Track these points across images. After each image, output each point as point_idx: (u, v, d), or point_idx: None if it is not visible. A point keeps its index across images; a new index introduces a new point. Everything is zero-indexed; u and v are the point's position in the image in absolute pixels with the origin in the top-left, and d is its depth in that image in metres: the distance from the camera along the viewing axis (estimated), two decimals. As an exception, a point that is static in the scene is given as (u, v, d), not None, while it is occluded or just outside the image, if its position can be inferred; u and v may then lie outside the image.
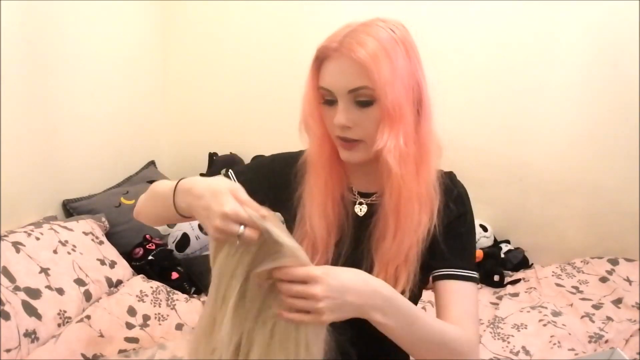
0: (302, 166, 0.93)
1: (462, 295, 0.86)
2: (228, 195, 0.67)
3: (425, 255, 0.85)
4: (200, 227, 2.01)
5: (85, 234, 1.68)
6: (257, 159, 1.02)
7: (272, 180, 0.95)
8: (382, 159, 0.80)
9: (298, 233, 0.90)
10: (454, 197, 0.90)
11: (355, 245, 0.89)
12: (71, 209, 1.86)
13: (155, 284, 1.67)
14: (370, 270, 0.85)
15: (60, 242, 1.55)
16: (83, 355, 1.29)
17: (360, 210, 0.91)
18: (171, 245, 1.97)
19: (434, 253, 0.87)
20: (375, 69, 0.77)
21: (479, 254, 2.06)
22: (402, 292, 0.82)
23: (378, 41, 0.79)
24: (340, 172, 0.91)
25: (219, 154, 2.43)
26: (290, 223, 0.93)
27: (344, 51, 0.79)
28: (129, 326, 1.47)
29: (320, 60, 0.83)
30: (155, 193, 0.89)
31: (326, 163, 0.89)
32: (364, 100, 0.80)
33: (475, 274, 0.89)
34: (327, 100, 0.83)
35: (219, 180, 0.72)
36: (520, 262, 2.12)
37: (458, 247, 0.89)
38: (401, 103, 0.80)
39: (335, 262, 0.87)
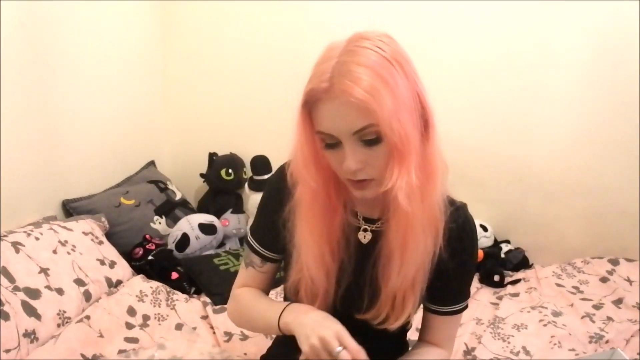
0: (292, 187, 0.86)
1: (451, 324, 0.95)
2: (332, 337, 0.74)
3: (431, 275, 0.84)
4: (200, 227, 2.01)
5: (85, 234, 1.67)
6: (260, 201, 0.97)
7: (277, 215, 0.89)
8: (392, 194, 0.76)
9: (294, 274, 0.88)
10: (464, 232, 0.88)
11: (357, 273, 0.87)
12: (71, 209, 1.86)
13: (155, 284, 1.67)
14: (374, 298, 0.85)
15: (60, 242, 1.55)
16: (83, 355, 1.29)
17: (365, 237, 0.88)
18: (171, 245, 1.97)
19: (438, 281, 0.87)
20: (377, 105, 0.69)
21: (479, 254, 2.06)
22: (408, 317, 0.86)
23: (372, 70, 0.70)
24: (344, 198, 0.86)
25: (219, 154, 2.43)
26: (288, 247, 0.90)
27: (338, 93, 0.70)
28: (129, 326, 1.46)
29: (311, 104, 0.75)
30: (253, 318, 0.96)
31: (318, 212, 0.83)
32: (371, 139, 0.73)
33: (466, 303, 0.94)
34: (329, 144, 0.76)
35: (326, 322, 0.78)
36: (520, 262, 2.11)
37: (459, 285, 0.92)
38: (408, 134, 0.73)
39: (336, 292, 0.87)
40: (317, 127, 0.76)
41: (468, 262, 0.91)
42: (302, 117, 0.77)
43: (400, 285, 0.82)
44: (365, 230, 0.88)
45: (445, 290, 0.90)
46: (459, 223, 0.86)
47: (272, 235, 0.91)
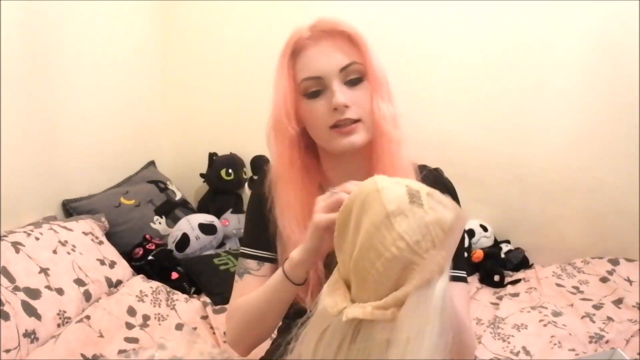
0: (272, 183, 0.91)
1: (454, 296, 0.88)
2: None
3: None
4: (200, 227, 2.01)
5: (85, 234, 1.67)
6: (246, 212, 1.01)
7: (262, 214, 0.92)
8: (381, 131, 0.82)
9: (284, 258, 0.87)
10: (448, 192, 0.90)
11: None
12: (71, 209, 1.86)
13: (155, 284, 1.67)
14: None
15: (59, 242, 1.55)
16: (83, 355, 1.28)
17: None
18: (171, 245, 1.97)
19: None
20: (360, 40, 0.80)
21: (479, 254, 2.06)
22: None
23: (348, 23, 0.83)
24: (320, 182, 0.90)
25: (219, 154, 2.43)
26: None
27: (323, 34, 0.81)
28: (129, 326, 1.46)
29: (297, 53, 0.83)
30: (259, 306, 0.87)
31: (298, 173, 0.87)
32: (355, 77, 0.81)
33: (464, 274, 0.91)
34: (312, 92, 0.82)
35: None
36: (520, 262, 2.11)
37: None
38: (384, 72, 0.83)
39: (326, 276, 0.84)
40: (302, 76, 0.82)
41: None
42: (286, 68, 0.84)
43: None
44: None
45: None
46: (448, 184, 0.94)
47: (262, 235, 0.92)
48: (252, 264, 0.94)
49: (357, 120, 0.82)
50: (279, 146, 0.88)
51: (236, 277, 0.96)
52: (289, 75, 0.83)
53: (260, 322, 0.88)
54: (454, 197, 0.94)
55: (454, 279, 0.88)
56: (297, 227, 0.86)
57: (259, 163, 2.33)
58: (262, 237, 0.93)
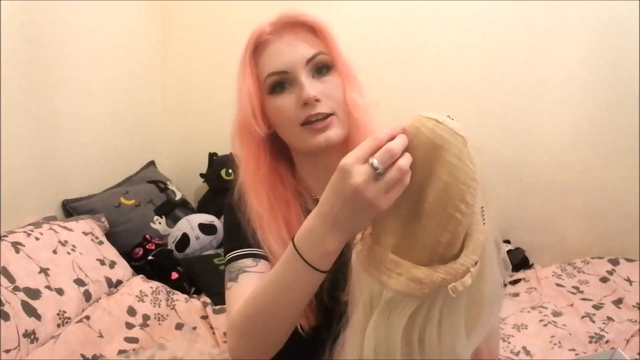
0: (240, 195, 0.82)
1: None
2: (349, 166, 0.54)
3: None
4: (200, 227, 2.00)
5: (85, 234, 1.67)
6: (224, 223, 0.91)
7: (241, 230, 0.82)
8: (357, 122, 0.79)
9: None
10: None
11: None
12: (71, 209, 1.86)
13: (155, 284, 1.67)
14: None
15: (59, 242, 1.55)
16: (83, 355, 1.29)
17: None
18: (171, 245, 1.97)
19: None
20: (324, 30, 0.77)
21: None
22: None
23: (306, 13, 0.80)
24: (296, 190, 0.84)
25: (219, 154, 2.42)
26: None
27: (285, 27, 0.78)
28: (129, 326, 1.46)
29: (259, 49, 0.79)
30: (267, 295, 0.67)
31: (266, 179, 0.80)
32: (322, 66, 0.78)
33: None
34: (278, 88, 0.77)
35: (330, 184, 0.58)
36: (520, 262, 2.11)
37: None
38: (352, 62, 0.80)
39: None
40: (266, 72, 0.78)
41: None
42: (248, 65, 0.78)
43: None
44: None
45: None
46: None
47: (250, 237, 0.82)
48: (246, 262, 0.80)
49: (330, 115, 0.76)
50: (244, 151, 0.81)
51: (227, 285, 0.79)
52: (252, 73, 0.78)
53: (273, 315, 0.67)
54: None
55: None
56: (275, 242, 0.78)
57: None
58: (249, 238, 0.81)
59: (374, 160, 0.52)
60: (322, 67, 0.77)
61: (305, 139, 0.77)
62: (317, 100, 0.75)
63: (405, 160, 0.53)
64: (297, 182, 0.86)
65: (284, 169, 0.85)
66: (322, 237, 0.59)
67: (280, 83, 0.77)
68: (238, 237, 0.83)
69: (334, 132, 0.77)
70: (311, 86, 0.75)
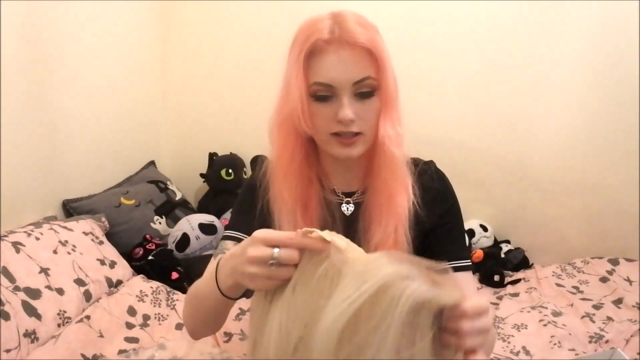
0: (265, 176, 0.89)
1: (462, 284, 0.89)
2: (255, 239, 0.60)
3: (417, 243, 0.87)
4: (201, 227, 2.01)
5: (85, 234, 1.67)
6: (237, 200, 0.98)
7: (254, 210, 0.90)
8: (383, 148, 0.81)
9: None
10: (443, 187, 0.93)
11: None
12: (71, 209, 1.86)
13: (155, 284, 1.67)
14: None
15: (60, 242, 1.55)
16: (83, 355, 1.29)
17: (347, 209, 0.92)
18: (171, 245, 1.97)
19: (429, 245, 0.89)
20: (379, 55, 0.78)
21: (479, 254, 2.06)
22: None
23: (367, 27, 0.79)
24: (318, 175, 0.90)
25: (219, 154, 2.43)
26: None
27: (343, 42, 0.77)
28: (129, 326, 1.47)
29: (313, 54, 0.79)
30: (196, 289, 0.82)
31: (297, 169, 0.86)
32: (366, 91, 0.79)
33: (468, 262, 0.92)
34: (321, 96, 0.80)
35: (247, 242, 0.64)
36: (520, 262, 2.11)
37: (450, 239, 0.92)
38: (396, 89, 0.82)
39: None
40: (314, 79, 0.79)
41: (459, 211, 0.94)
42: (301, 68, 0.79)
43: (381, 242, 0.84)
44: (348, 202, 0.92)
45: (442, 242, 0.91)
46: (444, 177, 0.94)
47: (245, 220, 0.90)
48: (229, 244, 0.89)
49: (358, 133, 0.81)
50: (282, 142, 0.86)
51: (212, 260, 0.89)
52: (304, 74, 0.80)
53: (197, 311, 0.82)
54: (448, 188, 0.95)
55: (461, 268, 0.90)
56: (287, 224, 0.85)
57: (259, 163, 2.32)
58: (244, 221, 0.90)
59: (278, 251, 0.57)
60: (365, 90, 0.79)
61: (331, 147, 0.83)
62: (352, 121, 0.79)
63: (290, 272, 0.58)
64: (318, 167, 0.92)
65: (313, 153, 0.91)
66: (227, 272, 0.67)
67: (324, 93, 0.80)
68: (239, 219, 0.92)
69: (356, 150, 0.83)
70: (351, 107, 0.79)
